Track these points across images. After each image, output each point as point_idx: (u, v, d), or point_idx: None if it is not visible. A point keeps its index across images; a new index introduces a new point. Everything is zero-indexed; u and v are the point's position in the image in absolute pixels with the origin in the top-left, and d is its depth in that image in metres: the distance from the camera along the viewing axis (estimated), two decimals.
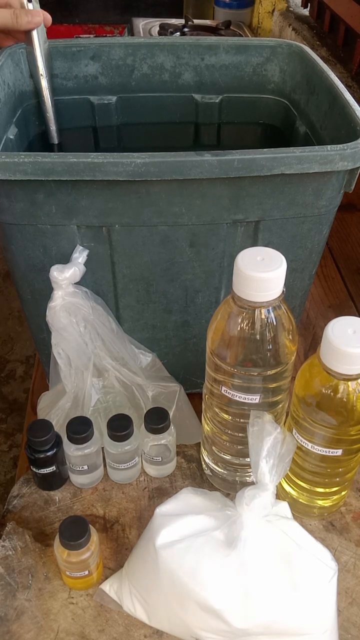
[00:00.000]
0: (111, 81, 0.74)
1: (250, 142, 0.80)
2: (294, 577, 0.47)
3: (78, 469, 0.61)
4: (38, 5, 0.63)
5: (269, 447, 0.47)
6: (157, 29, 1.65)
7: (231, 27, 1.71)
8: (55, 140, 0.72)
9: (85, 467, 0.61)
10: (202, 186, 0.53)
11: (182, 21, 1.69)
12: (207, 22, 1.78)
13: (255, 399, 0.52)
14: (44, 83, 0.68)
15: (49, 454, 0.59)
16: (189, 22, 1.67)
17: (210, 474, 0.63)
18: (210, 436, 0.60)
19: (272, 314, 0.48)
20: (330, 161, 0.51)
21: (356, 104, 0.58)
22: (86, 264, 0.58)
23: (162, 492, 0.63)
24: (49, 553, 0.57)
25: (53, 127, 0.71)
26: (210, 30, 1.66)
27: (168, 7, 2.04)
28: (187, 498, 0.53)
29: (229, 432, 0.57)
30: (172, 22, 1.68)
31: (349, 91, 0.60)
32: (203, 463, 0.65)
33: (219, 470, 0.62)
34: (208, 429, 0.60)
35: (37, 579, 0.56)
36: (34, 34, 0.64)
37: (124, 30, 1.90)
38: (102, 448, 0.62)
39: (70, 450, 0.59)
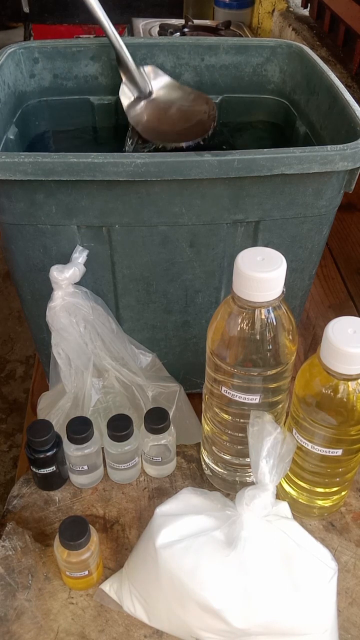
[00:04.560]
0: (111, 81, 0.74)
1: (250, 143, 0.80)
2: (294, 577, 0.47)
3: (78, 469, 0.61)
4: None
5: (269, 447, 0.47)
6: (157, 29, 1.65)
7: (231, 28, 1.71)
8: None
9: (85, 467, 0.61)
10: (202, 186, 0.53)
11: (182, 21, 1.69)
12: (207, 22, 1.78)
13: (255, 399, 0.52)
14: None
15: (49, 454, 0.59)
16: (189, 23, 1.67)
17: (210, 474, 0.63)
18: (210, 436, 0.60)
19: (272, 314, 0.48)
20: (330, 161, 0.51)
21: (356, 104, 0.58)
22: (86, 264, 0.58)
23: (162, 492, 0.63)
24: (49, 553, 0.57)
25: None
26: (210, 30, 1.66)
27: (168, 7, 2.04)
28: (187, 498, 0.53)
29: (229, 432, 0.57)
30: (172, 23, 1.67)
31: (349, 91, 0.60)
32: (203, 463, 0.65)
33: (219, 470, 0.62)
34: (208, 429, 0.60)
35: (37, 579, 0.56)
36: None
37: (124, 31, 1.90)
38: (102, 448, 0.62)
39: (70, 450, 0.59)
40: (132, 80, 0.71)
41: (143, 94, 0.72)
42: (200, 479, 0.65)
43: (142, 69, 0.72)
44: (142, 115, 0.72)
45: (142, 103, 0.72)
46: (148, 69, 0.72)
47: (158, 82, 0.73)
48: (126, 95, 0.72)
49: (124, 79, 0.71)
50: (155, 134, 0.71)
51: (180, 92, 0.73)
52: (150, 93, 0.73)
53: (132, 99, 0.72)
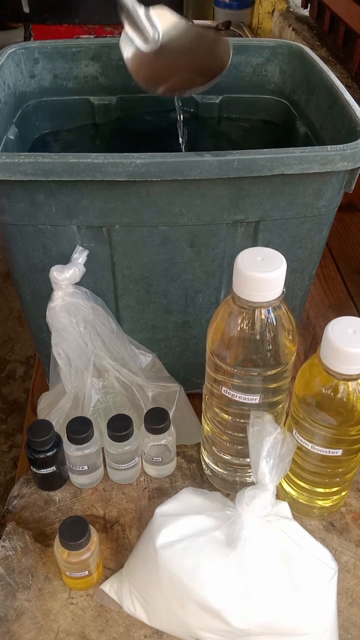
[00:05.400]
0: (111, 82, 0.74)
1: (250, 143, 0.80)
2: (294, 577, 0.47)
3: (78, 469, 0.61)
4: None
5: (269, 448, 0.47)
6: None
7: (231, 28, 1.71)
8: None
9: (85, 468, 0.61)
10: (202, 186, 0.53)
11: None
12: (207, 22, 1.78)
13: (255, 399, 0.52)
14: None
15: (49, 454, 0.59)
16: (189, 23, 1.67)
17: (210, 474, 0.63)
18: (210, 436, 0.60)
19: (272, 314, 0.48)
20: (330, 161, 0.51)
21: (356, 104, 0.58)
22: (86, 264, 0.58)
23: (162, 492, 0.63)
24: (49, 553, 0.57)
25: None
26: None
27: (168, 7, 2.04)
28: (187, 498, 0.53)
29: (229, 432, 0.57)
30: None
31: (349, 91, 0.60)
32: (203, 463, 0.65)
33: (219, 470, 0.62)
34: (208, 429, 0.60)
35: (37, 579, 0.56)
36: None
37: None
38: (102, 448, 0.62)
39: (70, 450, 0.59)
40: (136, 27, 0.63)
41: (148, 42, 0.64)
42: (201, 479, 0.65)
43: (148, 12, 0.64)
44: (146, 67, 0.63)
45: (148, 53, 0.64)
46: (154, 11, 0.64)
47: (164, 24, 0.64)
48: (128, 45, 0.64)
49: (126, 26, 0.63)
50: (162, 84, 0.62)
51: (191, 33, 0.65)
52: (156, 40, 0.64)
53: (135, 48, 0.64)
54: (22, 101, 0.71)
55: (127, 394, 0.65)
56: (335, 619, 0.50)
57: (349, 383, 0.48)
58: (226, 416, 0.56)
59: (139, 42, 0.64)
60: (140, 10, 0.62)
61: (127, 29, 0.63)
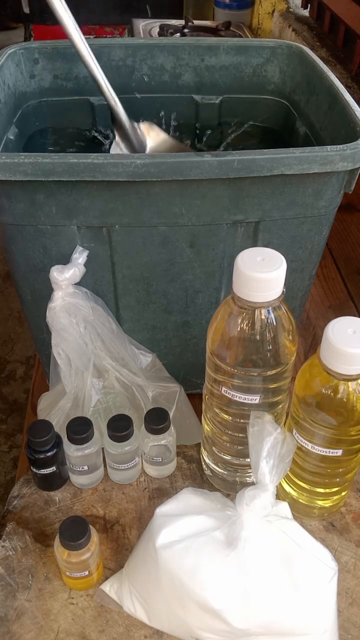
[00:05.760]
0: (111, 82, 0.73)
1: (250, 143, 0.80)
2: (294, 577, 0.47)
3: (78, 469, 0.61)
4: None
5: (269, 448, 0.47)
6: (157, 29, 1.65)
7: (231, 28, 1.72)
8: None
9: (86, 468, 0.61)
10: (202, 187, 0.53)
11: (182, 22, 1.69)
12: (207, 23, 1.79)
13: (255, 399, 0.52)
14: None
15: (49, 454, 0.59)
16: (189, 23, 1.68)
17: (211, 474, 0.63)
18: (211, 437, 0.60)
19: (272, 315, 0.48)
20: (330, 162, 0.51)
21: (356, 105, 0.58)
22: (86, 264, 0.58)
23: (162, 492, 0.63)
24: (49, 553, 0.58)
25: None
26: (210, 31, 1.66)
27: (168, 8, 2.04)
28: (187, 498, 0.53)
29: (229, 432, 0.57)
30: (172, 23, 1.68)
31: (348, 92, 0.61)
32: (203, 463, 0.65)
33: (219, 470, 0.62)
34: (208, 429, 0.60)
35: (37, 579, 0.56)
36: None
37: (124, 31, 1.90)
38: (102, 448, 0.62)
39: (71, 450, 0.59)
40: (126, 138, 0.68)
41: (135, 152, 0.69)
42: (201, 480, 0.65)
43: (137, 126, 0.68)
44: None
45: None
46: (143, 126, 0.69)
47: (153, 140, 0.70)
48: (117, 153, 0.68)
49: (117, 136, 0.68)
50: None
51: (176, 150, 0.70)
52: (143, 151, 0.70)
53: None
54: (22, 101, 0.71)
55: (127, 394, 0.65)
56: (335, 619, 0.50)
57: (349, 383, 0.48)
58: (226, 416, 0.56)
59: (126, 152, 0.69)
60: (130, 124, 0.67)
61: (118, 138, 0.68)
